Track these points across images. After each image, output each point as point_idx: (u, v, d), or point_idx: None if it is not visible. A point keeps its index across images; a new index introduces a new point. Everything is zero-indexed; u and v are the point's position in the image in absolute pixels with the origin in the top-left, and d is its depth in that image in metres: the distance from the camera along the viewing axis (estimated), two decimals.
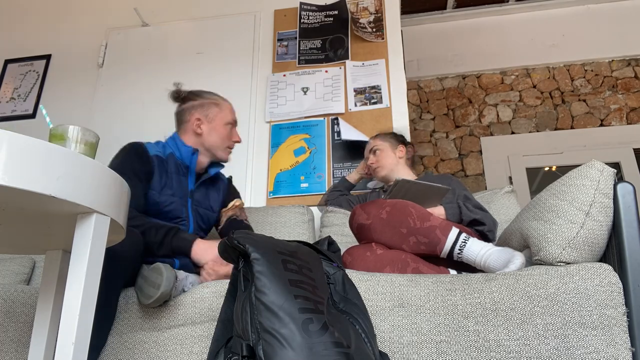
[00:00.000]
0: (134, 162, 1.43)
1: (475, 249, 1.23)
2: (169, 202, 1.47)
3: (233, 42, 2.75)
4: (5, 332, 1.14)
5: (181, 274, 1.17)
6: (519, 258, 1.14)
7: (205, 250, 1.37)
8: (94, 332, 0.75)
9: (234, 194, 1.77)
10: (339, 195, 2.10)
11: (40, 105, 0.91)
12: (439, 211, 1.57)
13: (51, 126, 0.85)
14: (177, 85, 1.67)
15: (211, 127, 1.61)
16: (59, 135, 0.83)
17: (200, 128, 1.60)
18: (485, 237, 1.53)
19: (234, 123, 1.67)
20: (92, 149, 0.86)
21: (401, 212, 1.31)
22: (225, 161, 1.67)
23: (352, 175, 2.16)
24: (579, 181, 1.06)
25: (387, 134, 2.06)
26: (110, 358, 1.09)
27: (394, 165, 1.94)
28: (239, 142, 1.69)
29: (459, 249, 1.24)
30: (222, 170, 1.74)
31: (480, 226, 1.53)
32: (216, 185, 1.71)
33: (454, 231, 1.27)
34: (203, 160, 1.61)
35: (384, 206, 1.35)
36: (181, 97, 1.65)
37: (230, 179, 1.80)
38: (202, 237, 1.55)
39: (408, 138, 2.22)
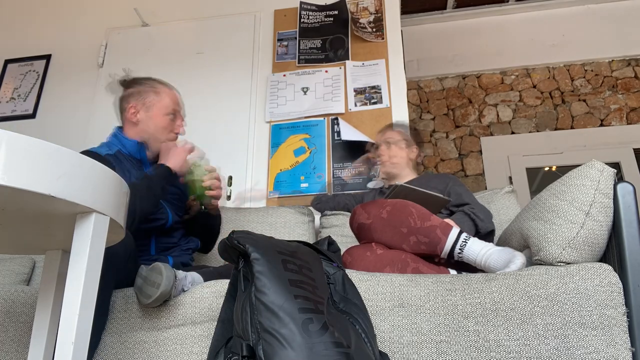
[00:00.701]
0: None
1: (475, 248, 1.22)
2: None
3: (233, 42, 2.75)
4: (5, 331, 1.14)
5: (180, 273, 1.16)
6: (519, 258, 1.14)
7: (174, 160, 1.40)
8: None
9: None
10: (330, 198, 2.05)
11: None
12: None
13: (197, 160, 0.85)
14: (126, 71, 1.59)
15: (148, 115, 1.50)
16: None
17: (136, 117, 1.50)
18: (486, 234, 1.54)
19: (175, 113, 1.54)
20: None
21: (402, 212, 1.31)
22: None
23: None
24: (579, 181, 1.06)
25: (404, 128, 1.99)
26: (109, 358, 1.09)
27: (403, 164, 1.89)
28: (178, 133, 1.55)
29: (460, 249, 1.24)
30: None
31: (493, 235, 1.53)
32: None
33: (455, 231, 1.26)
34: (155, 150, 1.51)
35: (384, 206, 1.34)
36: (125, 85, 1.56)
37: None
38: (180, 218, 1.55)
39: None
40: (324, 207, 2.00)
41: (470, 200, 1.66)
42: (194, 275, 1.27)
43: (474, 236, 1.47)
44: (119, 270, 1.15)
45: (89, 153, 1.42)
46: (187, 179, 1.47)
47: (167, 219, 1.48)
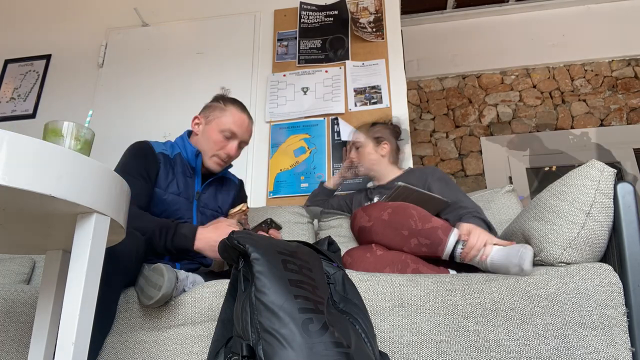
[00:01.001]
0: (139, 161, 1.40)
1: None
2: (174, 201, 1.44)
3: (233, 42, 2.75)
4: (6, 331, 1.14)
5: (182, 274, 1.16)
6: (528, 250, 1.07)
7: (207, 241, 1.30)
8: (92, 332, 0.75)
9: (243, 197, 1.71)
10: (323, 202, 2.02)
11: (91, 111, 0.89)
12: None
13: (47, 122, 0.83)
14: (224, 90, 1.63)
15: (206, 129, 1.53)
16: (54, 131, 0.81)
17: (197, 127, 1.55)
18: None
19: (233, 135, 1.51)
20: (87, 145, 0.84)
21: (402, 214, 1.31)
22: (213, 172, 1.55)
23: (334, 180, 2.05)
24: (580, 181, 1.06)
25: (370, 127, 1.93)
26: (110, 357, 1.09)
27: (378, 162, 1.84)
28: (231, 156, 1.53)
29: (461, 249, 1.24)
30: (235, 174, 1.70)
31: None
32: (225, 186, 1.64)
33: (456, 231, 1.26)
34: (206, 164, 1.53)
35: (385, 208, 1.34)
36: (213, 99, 1.61)
37: (242, 181, 1.74)
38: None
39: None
40: (314, 205, 1.99)
41: (456, 197, 1.59)
42: (195, 276, 1.27)
43: None
44: (127, 273, 1.15)
45: (142, 143, 1.46)
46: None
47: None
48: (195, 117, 1.57)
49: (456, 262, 1.30)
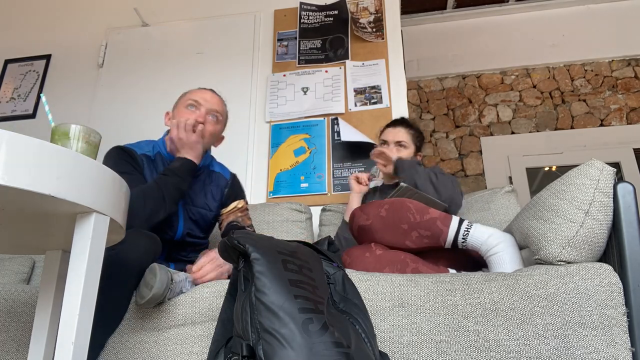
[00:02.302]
0: (125, 162, 1.40)
1: (478, 235, 1.24)
2: None
3: (233, 42, 2.75)
4: (6, 331, 1.14)
5: (179, 275, 1.16)
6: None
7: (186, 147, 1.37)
8: (94, 331, 0.75)
9: (237, 193, 1.62)
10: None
11: (41, 95, 0.91)
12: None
13: (53, 124, 0.84)
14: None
15: (174, 115, 1.51)
16: (61, 134, 0.82)
17: (170, 122, 1.49)
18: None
19: (196, 103, 1.47)
20: (94, 148, 0.85)
21: (400, 208, 1.31)
22: (200, 149, 1.44)
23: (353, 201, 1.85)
24: (579, 180, 1.06)
25: (416, 131, 1.87)
26: (110, 358, 1.09)
27: None
28: (199, 121, 1.43)
29: (463, 237, 1.25)
30: (228, 167, 1.66)
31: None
32: (216, 181, 1.57)
33: (455, 220, 1.27)
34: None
35: (382, 205, 1.34)
36: None
37: (234, 175, 1.66)
38: (196, 237, 1.52)
39: None
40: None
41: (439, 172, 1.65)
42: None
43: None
44: (140, 275, 1.14)
45: (121, 147, 1.45)
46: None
47: (175, 231, 1.45)
48: (166, 113, 1.57)
49: (456, 262, 1.31)
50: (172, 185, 1.33)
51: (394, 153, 1.76)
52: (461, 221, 1.27)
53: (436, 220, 1.27)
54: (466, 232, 1.24)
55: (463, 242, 1.25)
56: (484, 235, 1.23)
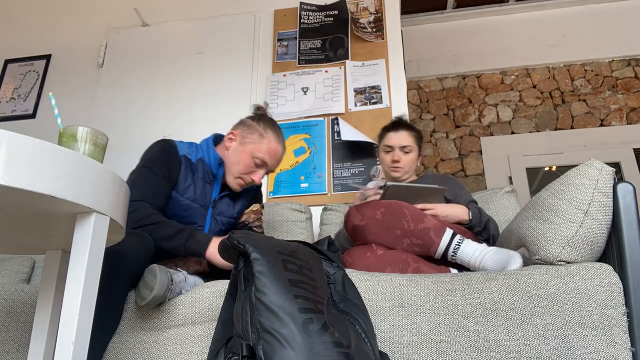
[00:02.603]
0: (163, 160, 1.40)
1: (469, 250, 1.23)
2: (188, 207, 1.43)
3: (233, 42, 2.75)
4: (6, 331, 1.14)
5: (179, 276, 1.16)
6: (517, 259, 1.14)
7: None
8: (94, 332, 0.75)
9: (257, 199, 1.68)
10: None
11: (51, 95, 0.91)
12: (461, 210, 1.49)
13: (61, 127, 0.85)
14: (266, 105, 1.63)
15: (239, 149, 1.49)
16: (69, 136, 0.83)
17: (230, 142, 1.51)
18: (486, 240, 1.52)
19: (264, 164, 1.50)
20: (101, 150, 0.86)
21: (395, 214, 1.31)
22: (232, 190, 1.53)
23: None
24: (578, 180, 1.06)
25: (417, 133, 1.86)
26: (110, 358, 1.09)
27: (410, 171, 1.81)
28: (254, 182, 1.51)
29: (453, 251, 1.25)
30: None
31: (487, 233, 1.50)
32: (244, 195, 1.61)
33: (448, 233, 1.27)
34: (228, 181, 1.52)
35: (378, 207, 1.34)
36: (252, 114, 1.60)
37: (259, 186, 1.70)
38: None
39: None
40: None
41: (464, 194, 1.64)
42: (196, 278, 1.27)
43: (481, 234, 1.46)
44: (135, 275, 1.15)
45: (167, 141, 1.45)
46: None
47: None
48: (231, 132, 1.53)
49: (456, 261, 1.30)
50: (174, 244, 1.29)
51: (399, 158, 1.76)
52: (454, 235, 1.26)
53: (429, 231, 1.27)
54: (457, 247, 1.24)
55: (453, 256, 1.25)
56: (477, 252, 1.22)
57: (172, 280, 1.10)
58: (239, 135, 1.51)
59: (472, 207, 1.52)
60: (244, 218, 1.61)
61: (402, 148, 1.78)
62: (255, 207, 1.62)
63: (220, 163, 1.50)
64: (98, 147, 0.85)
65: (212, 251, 1.29)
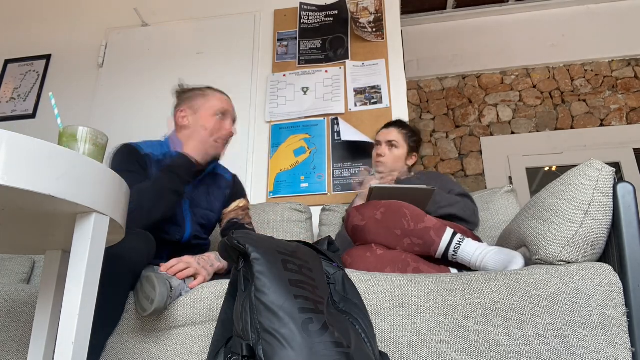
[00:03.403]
0: (128, 161, 1.40)
1: (469, 249, 1.23)
2: None
3: (233, 42, 2.75)
4: (6, 331, 1.14)
5: (176, 281, 1.15)
6: (519, 259, 1.14)
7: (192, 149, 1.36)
8: (93, 332, 0.75)
9: (238, 193, 1.64)
10: None
11: (51, 95, 0.91)
12: None
13: (61, 126, 0.85)
14: (180, 82, 1.61)
15: (196, 117, 1.48)
16: (69, 136, 0.83)
17: (185, 120, 1.50)
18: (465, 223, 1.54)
19: (225, 113, 1.51)
20: (101, 149, 0.86)
21: (395, 213, 1.31)
22: (218, 156, 1.52)
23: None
24: (578, 180, 1.06)
25: (409, 131, 1.88)
26: (110, 358, 1.09)
27: (399, 169, 1.82)
28: (230, 134, 1.51)
29: (454, 251, 1.25)
30: (228, 167, 1.66)
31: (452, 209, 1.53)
32: (218, 183, 1.58)
33: (449, 232, 1.27)
34: (208, 154, 1.47)
35: (378, 207, 1.34)
36: (177, 94, 1.59)
37: (235, 176, 1.68)
38: (201, 238, 1.52)
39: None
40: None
41: (456, 188, 1.66)
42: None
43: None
44: (135, 275, 1.14)
45: (127, 145, 1.45)
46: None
47: (183, 233, 1.43)
48: (179, 110, 1.53)
49: (457, 263, 1.30)
50: (169, 183, 1.32)
51: (384, 153, 1.81)
52: (454, 234, 1.26)
53: (430, 230, 1.27)
54: (457, 246, 1.24)
55: (453, 255, 1.25)
56: (478, 251, 1.22)
57: (171, 288, 1.09)
58: (187, 109, 1.52)
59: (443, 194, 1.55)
60: (231, 216, 1.57)
61: (388, 142, 1.83)
62: (241, 202, 1.60)
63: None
64: (98, 147, 0.85)
65: (191, 149, 1.35)
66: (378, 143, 1.88)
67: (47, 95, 2.86)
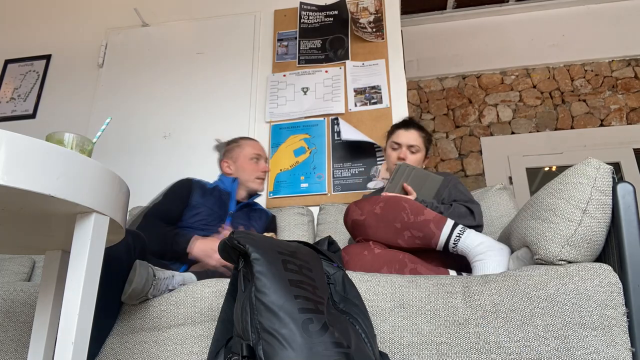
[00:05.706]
0: (175, 186, 1.71)
1: (469, 243, 1.24)
2: (207, 213, 1.66)
3: (233, 42, 2.75)
4: (5, 331, 1.14)
5: (165, 273, 1.16)
6: (505, 251, 1.16)
7: (204, 251, 1.48)
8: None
9: (272, 228, 1.90)
10: None
11: (109, 118, 0.94)
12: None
13: (69, 137, 0.87)
14: (217, 141, 1.96)
15: (237, 166, 1.86)
16: (56, 142, 0.85)
17: (229, 169, 1.87)
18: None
19: (258, 156, 1.88)
20: (87, 155, 0.88)
21: (394, 207, 1.31)
22: (260, 191, 1.89)
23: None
24: (576, 179, 1.06)
25: (427, 134, 1.86)
26: (110, 358, 1.09)
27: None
28: (266, 171, 1.91)
29: (454, 242, 1.25)
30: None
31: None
32: (257, 213, 1.87)
33: (449, 224, 1.27)
34: (241, 193, 1.84)
35: (377, 202, 1.35)
36: (218, 149, 1.95)
37: (274, 217, 1.95)
38: None
39: None
40: None
41: (468, 197, 1.65)
42: (185, 275, 1.27)
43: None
44: (128, 273, 1.15)
45: (184, 179, 1.76)
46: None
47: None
48: (223, 162, 1.89)
49: (456, 263, 1.31)
50: (173, 245, 1.51)
51: (405, 156, 1.75)
52: (455, 225, 1.27)
53: (429, 222, 1.27)
54: (458, 238, 1.24)
55: (454, 247, 1.25)
56: (475, 242, 1.23)
57: (154, 276, 1.10)
58: (228, 160, 1.89)
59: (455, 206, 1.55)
60: None
61: (410, 147, 1.77)
62: (269, 234, 1.76)
63: (234, 180, 1.83)
64: (84, 152, 0.87)
65: (195, 252, 1.49)
66: (398, 146, 1.79)
67: (47, 95, 2.86)
